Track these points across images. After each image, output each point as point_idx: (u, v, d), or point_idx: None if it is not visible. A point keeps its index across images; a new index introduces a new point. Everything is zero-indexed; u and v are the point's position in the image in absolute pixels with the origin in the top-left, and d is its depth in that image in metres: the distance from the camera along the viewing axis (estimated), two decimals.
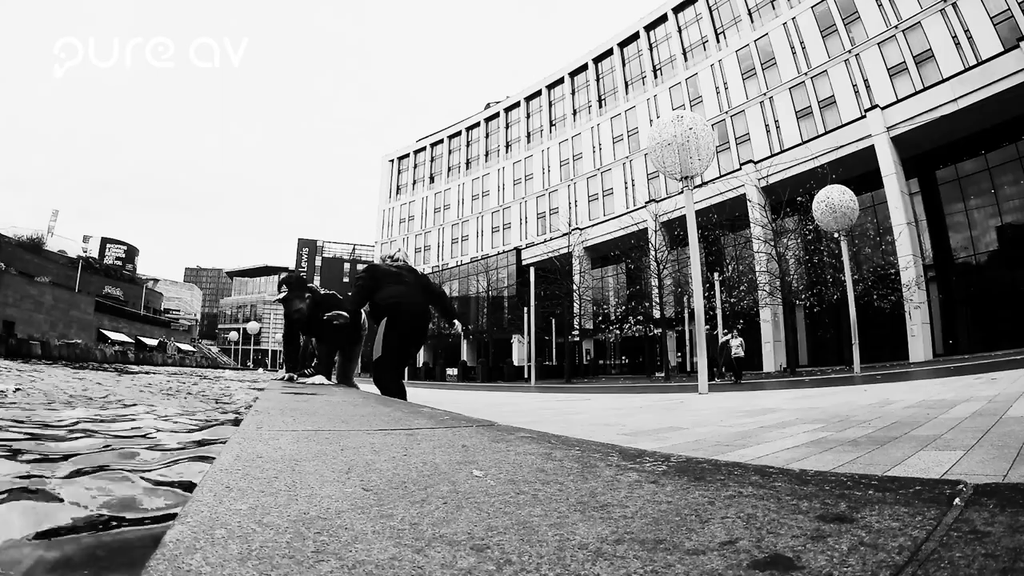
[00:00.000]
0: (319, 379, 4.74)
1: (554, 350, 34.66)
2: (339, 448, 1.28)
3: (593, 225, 36.11)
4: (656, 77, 38.05)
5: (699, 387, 8.11)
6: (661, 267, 24.65)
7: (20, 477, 1.62)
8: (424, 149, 56.07)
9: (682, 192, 11.56)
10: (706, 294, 21.72)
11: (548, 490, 0.86)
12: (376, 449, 1.27)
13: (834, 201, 13.07)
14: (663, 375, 23.72)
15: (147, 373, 16.41)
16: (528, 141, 46.87)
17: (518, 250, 39.92)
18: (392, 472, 1.01)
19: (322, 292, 5.59)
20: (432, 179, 54.70)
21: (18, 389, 5.20)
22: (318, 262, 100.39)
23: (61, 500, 1.40)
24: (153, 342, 52.17)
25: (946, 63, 23.73)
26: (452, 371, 38.50)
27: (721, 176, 27.58)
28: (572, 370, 29.12)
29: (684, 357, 29.09)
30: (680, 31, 36.67)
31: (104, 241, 70.01)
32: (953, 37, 23.97)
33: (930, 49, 24.71)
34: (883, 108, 21.61)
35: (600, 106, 41.71)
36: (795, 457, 2.17)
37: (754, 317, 24.20)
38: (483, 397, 10.01)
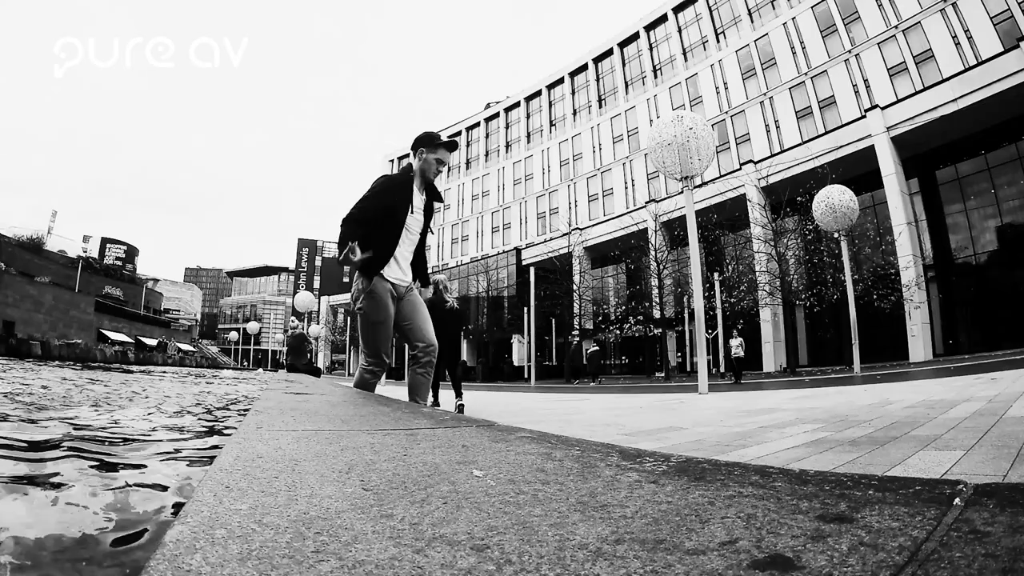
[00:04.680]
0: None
1: (554, 350, 34.67)
2: (339, 448, 1.28)
3: (593, 225, 36.11)
4: (656, 77, 38.05)
5: (699, 387, 8.11)
6: (661, 267, 24.65)
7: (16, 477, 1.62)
8: None
9: (682, 192, 11.58)
10: (706, 294, 21.75)
11: (548, 490, 0.86)
12: (376, 449, 1.27)
13: (834, 201, 13.07)
14: (663, 375, 23.73)
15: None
16: (528, 141, 46.88)
17: (518, 250, 39.91)
18: (392, 472, 1.01)
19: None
20: None
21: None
22: (318, 262, 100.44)
23: (57, 499, 1.40)
24: (153, 342, 52.16)
25: (946, 63, 23.73)
26: None
27: (721, 176, 27.58)
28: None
29: (684, 357, 29.10)
30: (680, 31, 36.68)
31: (104, 241, 70.08)
32: (953, 37, 23.97)
33: (930, 49, 24.71)
34: (883, 108, 21.60)
35: (600, 106, 41.71)
36: (795, 457, 2.17)
37: (754, 317, 24.20)
38: (483, 397, 10.01)
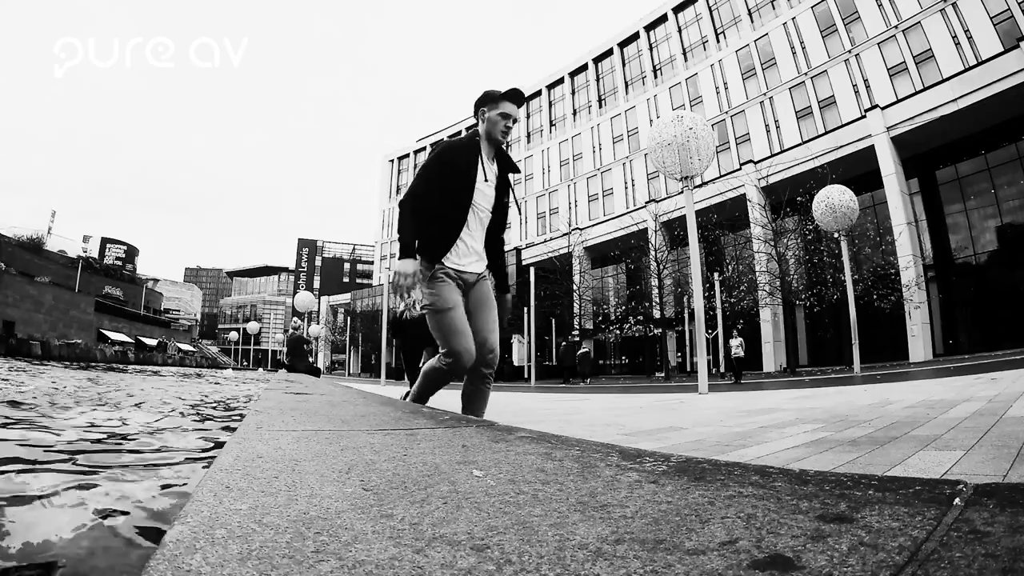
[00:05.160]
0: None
1: (554, 350, 34.68)
2: (339, 448, 1.28)
3: (593, 225, 36.11)
4: (656, 77, 38.05)
5: (699, 387, 8.11)
6: (661, 267, 24.65)
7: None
8: (424, 149, 56.14)
9: (682, 192, 11.58)
10: (706, 294, 21.75)
11: (548, 490, 0.86)
12: (376, 449, 1.27)
13: (834, 201, 13.07)
14: (663, 375, 23.74)
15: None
16: (528, 141, 46.89)
17: (518, 250, 39.92)
18: (392, 472, 1.01)
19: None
20: None
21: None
22: (318, 262, 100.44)
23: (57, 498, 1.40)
24: (153, 342, 52.15)
25: (946, 63, 23.73)
26: None
27: (721, 176, 27.59)
28: (572, 370, 29.21)
29: (684, 357, 29.10)
30: (680, 31, 36.68)
31: (104, 241, 70.09)
32: (953, 37, 23.97)
33: (930, 49, 24.70)
34: (883, 108, 21.61)
35: (600, 106, 41.71)
36: (795, 457, 2.17)
37: (754, 317, 24.21)
38: None
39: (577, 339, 27.02)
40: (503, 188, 2.75)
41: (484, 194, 2.67)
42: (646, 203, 31.01)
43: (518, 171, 2.87)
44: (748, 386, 11.12)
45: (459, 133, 53.24)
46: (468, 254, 2.69)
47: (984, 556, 0.51)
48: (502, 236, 2.85)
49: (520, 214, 45.57)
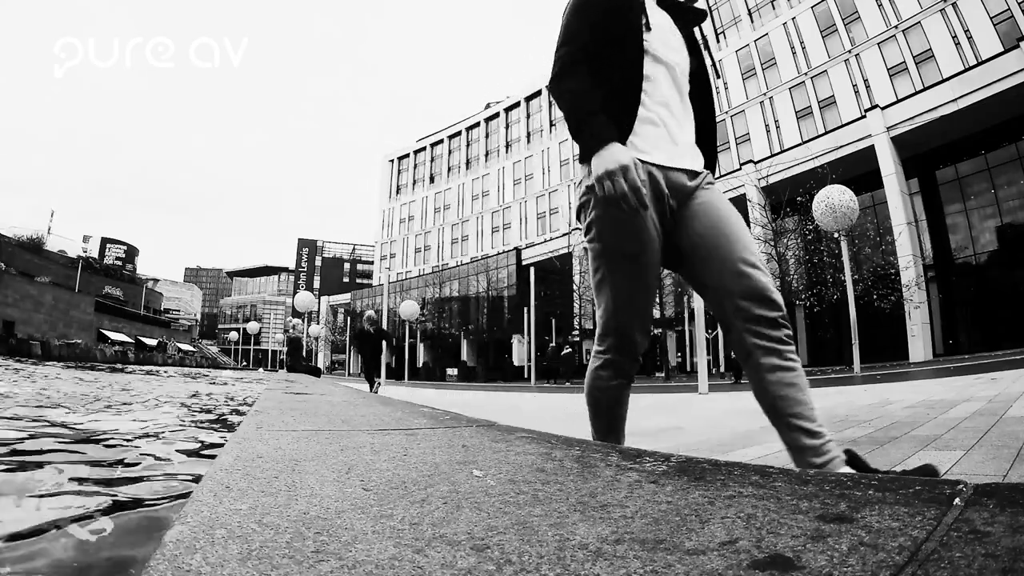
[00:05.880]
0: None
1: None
2: (339, 448, 1.28)
3: None
4: None
5: (699, 387, 8.12)
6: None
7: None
8: (424, 149, 56.12)
9: None
10: None
11: (548, 490, 0.86)
12: (376, 449, 1.27)
13: (834, 201, 13.06)
14: (663, 375, 23.75)
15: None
16: (528, 141, 46.88)
17: (518, 250, 39.91)
18: (392, 472, 1.01)
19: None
20: (432, 179, 54.74)
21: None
22: (318, 262, 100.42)
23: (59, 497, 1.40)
24: (153, 342, 52.16)
25: (946, 63, 23.73)
26: (452, 371, 38.54)
27: (721, 176, 27.55)
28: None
29: (684, 357, 29.09)
30: None
31: (104, 241, 70.13)
32: (953, 37, 23.97)
33: (930, 49, 24.70)
34: (883, 108, 21.60)
35: None
36: None
37: None
38: (483, 397, 10.02)
39: (576, 339, 27.15)
40: (694, 47, 1.58)
41: (665, 43, 1.47)
42: None
43: (704, 16, 1.61)
44: (748, 386, 11.11)
45: (459, 134, 53.25)
46: (665, 140, 1.43)
47: (984, 556, 0.51)
48: (712, 115, 1.60)
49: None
